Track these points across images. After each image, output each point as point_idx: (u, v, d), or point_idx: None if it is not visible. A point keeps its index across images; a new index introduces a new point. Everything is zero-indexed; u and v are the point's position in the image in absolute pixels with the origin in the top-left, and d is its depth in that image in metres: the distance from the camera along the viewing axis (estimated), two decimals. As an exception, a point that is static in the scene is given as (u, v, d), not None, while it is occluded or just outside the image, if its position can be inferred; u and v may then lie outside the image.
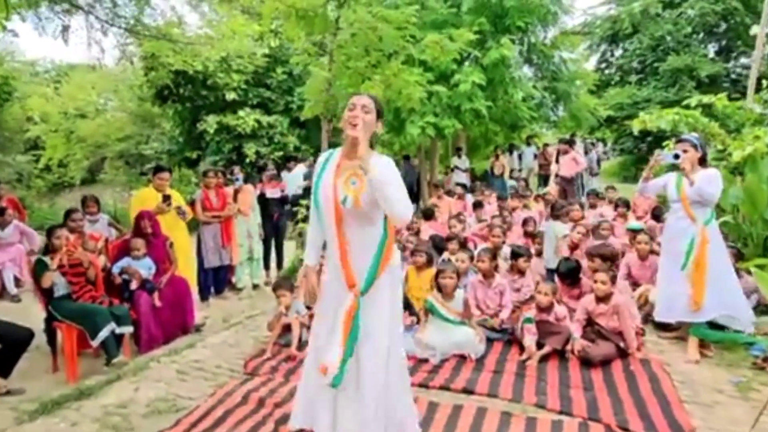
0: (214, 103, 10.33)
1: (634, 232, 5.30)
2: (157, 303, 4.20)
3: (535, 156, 13.64)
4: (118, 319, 3.81)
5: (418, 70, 6.93)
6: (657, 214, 5.77)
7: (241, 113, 9.83)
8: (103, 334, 3.67)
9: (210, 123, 9.57)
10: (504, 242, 4.84)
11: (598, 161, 14.40)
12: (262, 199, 6.01)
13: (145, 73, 9.88)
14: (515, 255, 4.22)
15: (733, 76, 18.34)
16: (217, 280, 5.74)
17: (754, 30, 10.27)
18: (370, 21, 5.23)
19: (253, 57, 9.18)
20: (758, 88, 8.57)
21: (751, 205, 4.26)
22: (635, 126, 5.52)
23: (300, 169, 9.10)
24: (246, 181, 6.34)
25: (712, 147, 5.41)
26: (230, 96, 9.86)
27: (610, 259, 3.97)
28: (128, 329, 3.92)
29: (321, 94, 6.32)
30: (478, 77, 9.17)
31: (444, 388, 3.08)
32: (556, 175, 10.82)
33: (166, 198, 4.87)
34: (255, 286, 6.05)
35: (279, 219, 6.13)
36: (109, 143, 17.81)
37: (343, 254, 2.21)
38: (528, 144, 14.39)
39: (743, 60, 19.32)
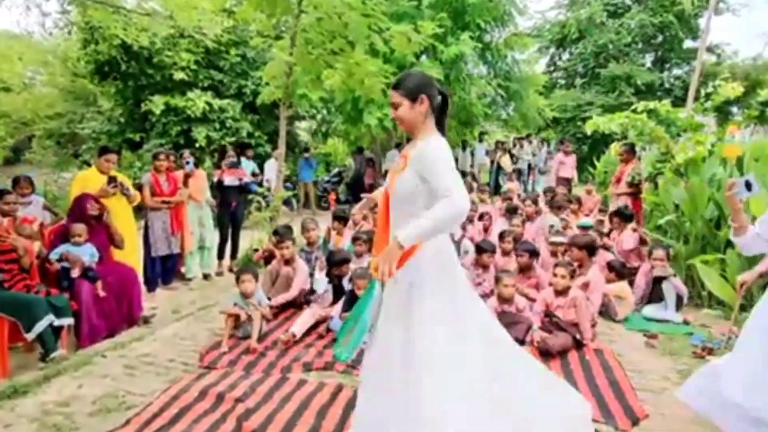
0: (161, 82, 9.73)
1: (584, 229, 5.58)
2: (101, 293, 3.90)
3: (487, 152, 14.00)
4: (57, 310, 3.50)
5: (378, 61, 6.86)
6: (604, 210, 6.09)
7: (190, 95, 9.30)
8: (40, 326, 3.35)
9: (157, 103, 8.97)
10: (463, 236, 4.89)
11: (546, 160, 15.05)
12: (220, 187, 5.72)
13: (83, 45, 9.11)
14: (480, 250, 4.28)
15: (666, 85, 19.61)
16: (165, 269, 5.42)
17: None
18: (338, 6, 5.09)
19: (204, 36, 8.74)
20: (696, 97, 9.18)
21: (692, 205, 4.55)
22: (588, 128, 5.76)
23: (272, 163, 9.08)
24: (196, 165, 6.02)
25: (656, 150, 5.75)
26: (178, 76, 9.30)
27: (587, 247, 4.08)
28: (68, 321, 3.60)
29: (280, 79, 6.11)
30: (437, 72, 9.24)
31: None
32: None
33: (112, 180, 4.53)
34: (205, 276, 5.78)
35: (236, 207, 5.86)
36: (36, 120, 16.48)
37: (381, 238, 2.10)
38: (480, 141, 14.71)
39: (675, 71, 20.77)
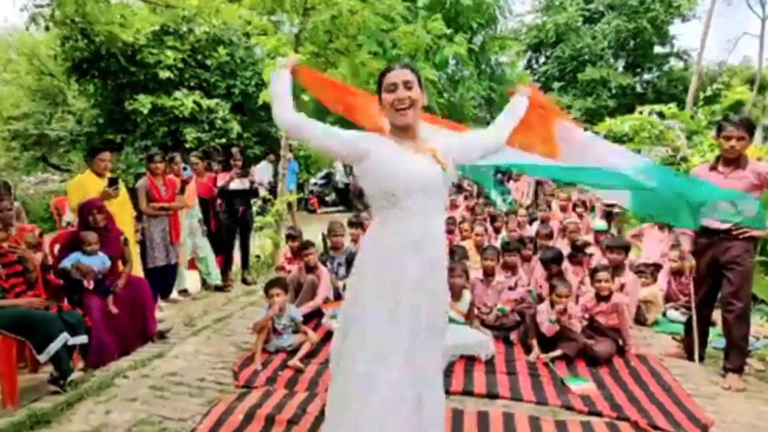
0: (143, 81, 9.27)
1: (598, 233, 5.59)
2: (113, 309, 3.60)
3: None
4: (71, 328, 3.19)
5: (383, 61, 6.71)
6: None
7: (178, 94, 8.89)
8: (54, 346, 3.04)
9: (143, 103, 8.54)
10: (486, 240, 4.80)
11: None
12: (226, 192, 5.38)
13: (62, 42, 8.57)
14: (507, 250, 4.18)
15: (638, 89, 20.17)
16: (164, 280, 5.09)
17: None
18: (353, 4, 4.92)
19: (189, 34, 8.36)
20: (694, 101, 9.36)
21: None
22: (600, 130, 5.77)
23: (264, 165, 8.94)
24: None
25: (665, 153, 5.81)
26: (164, 75, 8.88)
27: (625, 249, 4.05)
28: (82, 339, 3.29)
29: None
30: (431, 73, 9.16)
31: (467, 392, 2.93)
32: None
33: (113, 182, 4.20)
34: (219, 288, 5.38)
35: (244, 213, 5.52)
36: (-1, 121, 15.56)
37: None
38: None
39: (646, 76, 21.42)
